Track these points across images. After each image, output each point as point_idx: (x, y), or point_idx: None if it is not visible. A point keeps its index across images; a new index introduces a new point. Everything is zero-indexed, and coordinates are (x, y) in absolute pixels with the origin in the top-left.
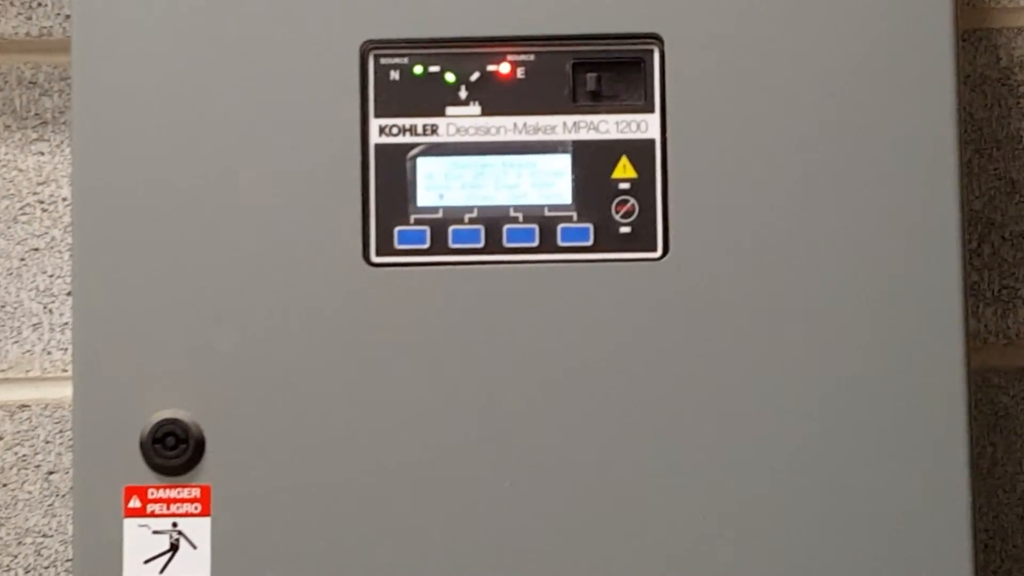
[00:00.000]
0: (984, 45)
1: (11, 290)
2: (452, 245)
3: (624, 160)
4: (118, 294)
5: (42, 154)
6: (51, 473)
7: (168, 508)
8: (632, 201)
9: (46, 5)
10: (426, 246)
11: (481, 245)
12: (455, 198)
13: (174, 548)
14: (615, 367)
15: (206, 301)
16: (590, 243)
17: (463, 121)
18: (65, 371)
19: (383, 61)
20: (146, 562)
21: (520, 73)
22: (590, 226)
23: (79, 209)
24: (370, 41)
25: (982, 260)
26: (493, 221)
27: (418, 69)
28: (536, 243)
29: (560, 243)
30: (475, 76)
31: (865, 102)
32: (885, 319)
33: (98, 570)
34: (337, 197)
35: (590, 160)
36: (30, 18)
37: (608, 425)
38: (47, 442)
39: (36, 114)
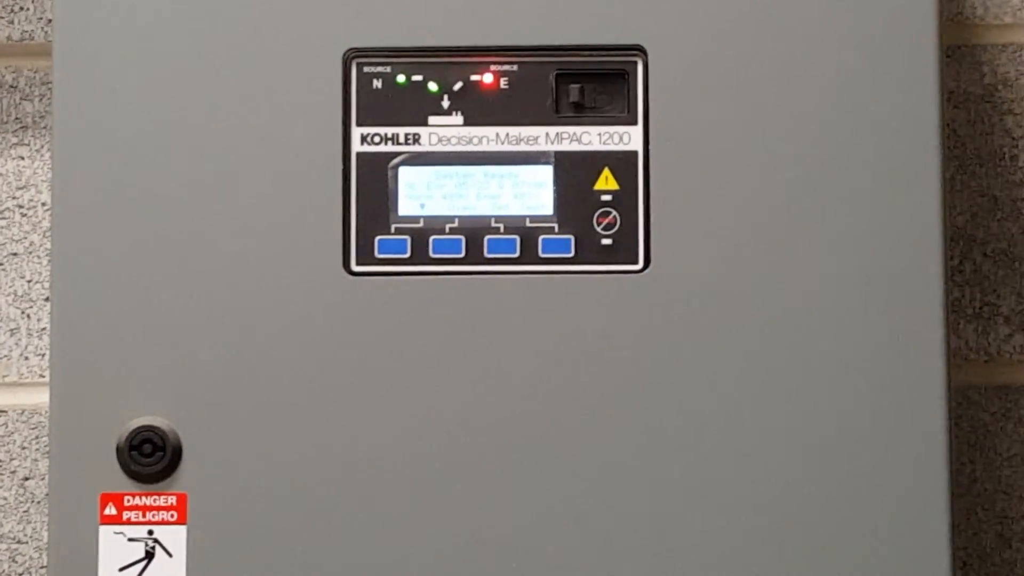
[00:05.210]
0: (968, 62)
1: None
2: (433, 255)
3: (606, 172)
4: (96, 300)
5: (22, 158)
6: (27, 479)
7: (144, 516)
8: (614, 213)
9: (28, 9)
10: (407, 256)
11: (462, 255)
12: (436, 208)
13: (149, 556)
14: (596, 379)
15: (185, 308)
16: (571, 255)
17: (445, 131)
18: (42, 376)
19: (366, 69)
20: (121, 570)
21: (503, 83)
22: (572, 238)
23: (58, 214)
24: (353, 49)
25: (964, 277)
26: (474, 231)
27: (401, 78)
28: (517, 254)
29: (541, 254)
30: (458, 86)
31: (849, 117)
32: (867, 335)
33: None
34: (318, 205)
35: (572, 171)
36: (12, 22)
37: (589, 437)
38: (23, 448)
39: (16, 118)
